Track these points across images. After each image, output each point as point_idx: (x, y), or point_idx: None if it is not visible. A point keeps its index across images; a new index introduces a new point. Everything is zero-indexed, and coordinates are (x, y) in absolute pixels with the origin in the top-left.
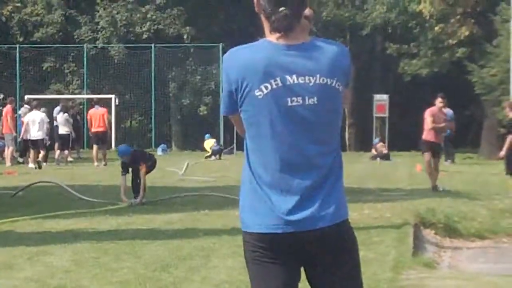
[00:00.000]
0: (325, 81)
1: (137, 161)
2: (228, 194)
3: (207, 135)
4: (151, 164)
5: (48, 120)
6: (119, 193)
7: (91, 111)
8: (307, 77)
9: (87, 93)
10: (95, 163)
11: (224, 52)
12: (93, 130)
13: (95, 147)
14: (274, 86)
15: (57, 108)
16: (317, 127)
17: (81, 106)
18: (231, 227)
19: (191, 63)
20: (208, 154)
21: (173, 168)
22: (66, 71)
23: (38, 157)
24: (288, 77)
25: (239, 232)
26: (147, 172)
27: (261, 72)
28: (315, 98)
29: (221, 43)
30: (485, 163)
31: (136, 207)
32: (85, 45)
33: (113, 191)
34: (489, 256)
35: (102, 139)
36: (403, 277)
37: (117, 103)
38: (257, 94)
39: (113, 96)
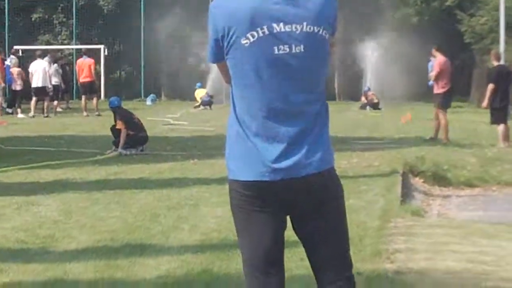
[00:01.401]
0: (311, 29)
1: (116, 117)
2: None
3: (198, 84)
4: (136, 134)
5: (51, 67)
6: (108, 143)
7: (79, 61)
8: (293, 25)
9: (76, 44)
10: (84, 113)
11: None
12: (80, 80)
13: (83, 97)
14: (261, 34)
15: (46, 59)
16: (304, 75)
17: (70, 57)
18: (220, 176)
19: (181, 12)
20: (197, 104)
21: (161, 117)
22: (55, 21)
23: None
24: (275, 25)
25: (227, 181)
26: (131, 137)
27: (248, 20)
28: (302, 46)
29: None
30: (475, 111)
31: (124, 157)
32: None
33: (102, 141)
34: (478, 204)
35: (89, 89)
36: (391, 225)
37: (106, 54)
38: (243, 42)
39: (102, 47)
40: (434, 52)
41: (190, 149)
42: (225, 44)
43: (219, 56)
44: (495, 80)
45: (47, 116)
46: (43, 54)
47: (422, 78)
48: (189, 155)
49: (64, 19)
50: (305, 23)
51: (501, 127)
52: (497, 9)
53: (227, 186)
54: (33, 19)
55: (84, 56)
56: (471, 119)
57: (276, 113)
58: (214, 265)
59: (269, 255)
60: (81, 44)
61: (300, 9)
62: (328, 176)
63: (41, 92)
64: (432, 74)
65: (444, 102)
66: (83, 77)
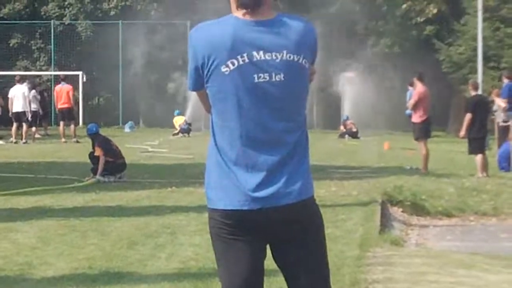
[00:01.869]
0: (291, 57)
1: (94, 143)
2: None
3: (176, 111)
4: (114, 161)
5: (29, 93)
6: (86, 170)
7: (57, 87)
8: (273, 53)
9: (54, 70)
10: (63, 139)
11: (191, 29)
12: (59, 106)
13: (61, 123)
14: (241, 62)
15: (25, 84)
16: (284, 103)
17: (48, 83)
18: (198, 205)
19: (158, 39)
20: (176, 131)
21: (139, 145)
22: (34, 47)
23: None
24: (255, 53)
25: (206, 209)
26: (110, 164)
27: (228, 48)
28: (282, 75)
29: (188, 20)
30: (453, 141)
31: (102, 184)
32: (52, 22)
33: (80, 168)
34: (456, 234)
35: (67, 115)
36: (370, 254)
37: (84, 80)
38: (223, 70)
39: (80, 73)
40: (415, 80)
41: (168, 177)
42: (205, 72)
43: (198, 84)
44: (473, 109)
45: (25, 142)
46: (22, 79)
47: (400, 107)
48: (167, 183)
49: (42, 45)
50: (285, 51)
51: (478, 158)
52: (474, 39)
53: (205, 214)
54: (11, 44)
55: (62, 83)
56: (449, 148)
57: (255, 141)
58: None
59: (248, 284)
60: (59, 70)
61: (280, 38)
62: (308, 206)
63: (21, 117)
64: (411, 102)
65: (423, 132)
66: (61, 103)
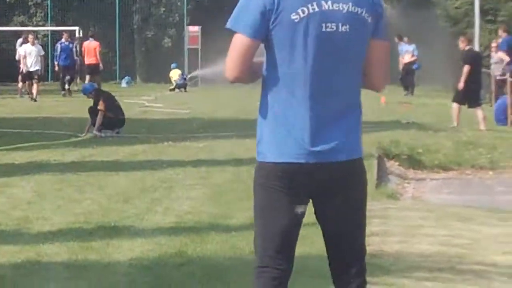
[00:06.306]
0: (356, 9)
1: (99, 98)
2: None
3: (173, 64)
4: (115, 117)
5: (43, 52)
6: (83, 125)
7: (85, 43)
8: (341, 4)
9: (51, 25)
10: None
11: None
12: (86, 61)
13: (87, 77)
14: (311, 11)
15: (19, 40)
16: (347, 56)
17: (45, 39)
18: (195, 159)
19: None
20: (172, 86)
21: (136, 100)
22: (30, 3)
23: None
24: (323, 3)
25: (202, 163)
26: (110, 119)
27: None
28: (348, 26)
29: None
30: (450, 95)
31: (99, 139)
32: None
33: (78, 123)
34: (453, 187)
35: (94, 70)
36: (367, 208)
37: (81, 35)
38: (293, 17)
39: (77, 28)
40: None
41: (164, 132)
42: (272, 18)
43: (261, 30)
44: (471, 62)
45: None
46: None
47: (394, 62)
48: (164, 138)
49: (39, 1)
50: (350, 3)
51: (479, 112)
52: None
53: (201, 169)
54: (7, 0)
55: (90, 39)
56: (447, 102)
57: (318, 91)
58: (187, 247)
59: (284, 236)
60: (56, 25)
61: None
62: (357, 165)
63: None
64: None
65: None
66: (89, 59)
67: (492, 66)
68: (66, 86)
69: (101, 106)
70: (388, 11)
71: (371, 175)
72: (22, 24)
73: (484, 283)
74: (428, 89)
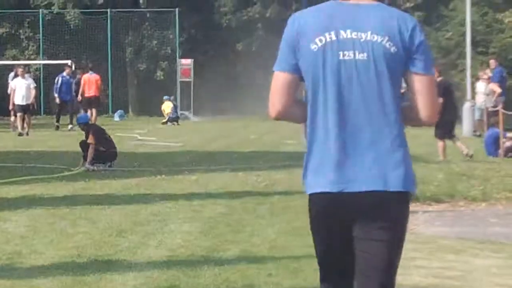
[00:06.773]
0: (375, 38)
1: (88, 132)
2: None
3: (165, 97)
4: (106, 150)
5: (34, 85)
6: (76, 159)
7: (85, 76)
8: (359, 33)
9: (43, 59)
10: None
11: (179, 17)
12: (86, 94)
13: (89, 111)
14: (328, 39)
15: (11, 74)
16: (371, 86)
17: (37, 72)
18: (188, 192)
19: (147, 28)
20: (165, 120)
21: (129, 133)
22: (22, 36)
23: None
24: (342, 32)
25: (195, 196)
26: (102, 153)
27: (318, 27)
28: (365, 54)
29: (177, 8)
30: None
31: (92, 173)
32: (40, 10)
33: (71, 157)
34: (445, 220)
35: (94, 103)
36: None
37: (73, 69)
38: (312, 47)
39: (69, 62)
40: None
41: (157, 165)
42: (296, 50)
43: (291, 63)
44: (443, 94)
45: (26, 134)
46: (25, 71)
47: None
48: (156, 171)
49: (31, 34)
50: (369, 32)
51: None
52: (463, 24)
53: (194, 202)
54: None
55: (91, 72)
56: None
57: (340, 121)
58: (180, 281)
59: (341, 263)
60: (48, 59)
61: (369, 19)
62: (393, 199)
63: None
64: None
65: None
66: (89, 92)
67: (486, 97)
68: (69, 123)
69: (90, 139)
70: None
71: None
72: (14, 58)
73: None
74: None
